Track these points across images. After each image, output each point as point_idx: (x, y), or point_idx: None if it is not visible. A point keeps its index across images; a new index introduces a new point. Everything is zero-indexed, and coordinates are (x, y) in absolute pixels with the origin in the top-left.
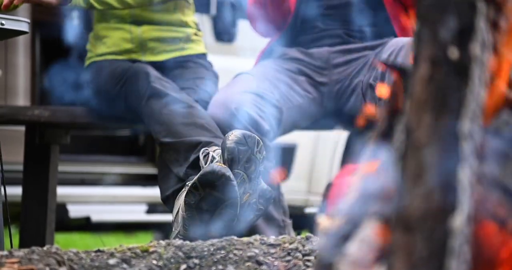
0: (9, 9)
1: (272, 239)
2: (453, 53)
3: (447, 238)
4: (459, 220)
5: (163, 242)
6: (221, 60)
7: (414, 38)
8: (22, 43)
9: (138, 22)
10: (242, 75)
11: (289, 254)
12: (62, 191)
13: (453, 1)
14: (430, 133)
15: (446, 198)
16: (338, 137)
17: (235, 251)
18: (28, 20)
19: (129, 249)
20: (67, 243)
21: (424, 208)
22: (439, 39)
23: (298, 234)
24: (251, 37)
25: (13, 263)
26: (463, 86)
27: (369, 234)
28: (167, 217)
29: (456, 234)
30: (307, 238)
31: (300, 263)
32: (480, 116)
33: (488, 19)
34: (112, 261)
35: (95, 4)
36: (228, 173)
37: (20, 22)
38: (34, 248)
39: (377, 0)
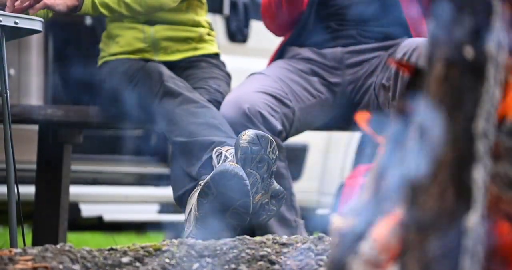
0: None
1: (284, 238)
2: (469, 53)
3: (461, 237)
4: (473, 220)
5: (176, 241)
6: (234, 61)
7: (429, 37)
8: (35, 42)
9: (151, 21)
10: (255, 75)
11: (301, 253)
12: (74, 190)
13: (468, 1)
14: (445, 133)
15: (460, 197)
16: (351, 137)
17: (248, 250)
18: (42, 19)
19: (142, 247)
20: (79, 242)
21: (438, 207)
22: (454, 38)
23: (310, 234)
24: (264, 37)
25: (27, 260)
26: (478, 86)
27: (383, 233)
28: (179, 217)
29: (470, 233)
30: (320, 238)
31: (313, 262)
32: (495, 116)
33: (503, 19)
34: (125, 260)
35: (105, 12)
36: (241, 172)
37: (33, 21)
38: (47, 245)
39: (391, 0)
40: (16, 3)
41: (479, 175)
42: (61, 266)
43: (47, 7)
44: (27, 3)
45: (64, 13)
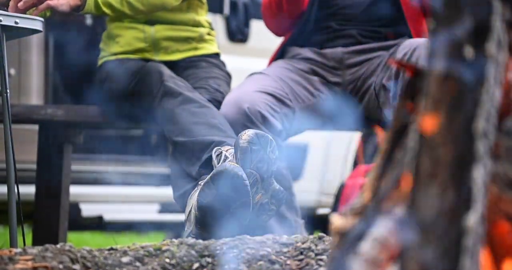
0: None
1: (284, 238)
2: (469, 52)
3: (461, 237)
4: (473, 219)
5: (176, 241)
6: (234, 60)
7: (429, 37)
8: (35, 42)
9: (151, 21)
10: (255, 75)
11: (301, 253)
12: (75, 190)
13: (469, 1)
14: (445, 133)
15: (460, 197)
16: (351, 137)
17: (248, 250)
18: (42, 19)
19: (142, 247)
20: (80, 242)
21: (438, 207)
22: (455, 38)
23: (310, 234)
24: (264, 37)
25: (27, 260)
26: (479, 86)
27: (383, 233)
28: (179, 217)
29: (470, 233)
30: (320, 238)
31: (313, 262)
32: (495, 116)
33: (503, 19)
34: (125, 259)
35: (108, 11)
36: (241, 172)
37: (34, 20)
38: (47, 245)
39: (392, 0)
40: (19, 4)
41: (479, 175)
42: (61, 266)
43: (51, 7)
44: (30, 4)
45: (66, 12)
